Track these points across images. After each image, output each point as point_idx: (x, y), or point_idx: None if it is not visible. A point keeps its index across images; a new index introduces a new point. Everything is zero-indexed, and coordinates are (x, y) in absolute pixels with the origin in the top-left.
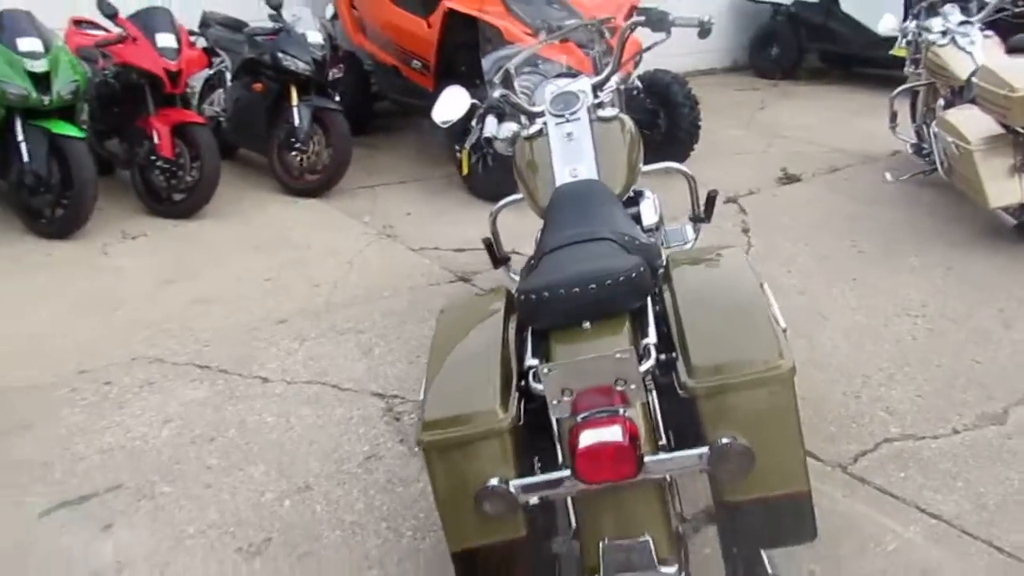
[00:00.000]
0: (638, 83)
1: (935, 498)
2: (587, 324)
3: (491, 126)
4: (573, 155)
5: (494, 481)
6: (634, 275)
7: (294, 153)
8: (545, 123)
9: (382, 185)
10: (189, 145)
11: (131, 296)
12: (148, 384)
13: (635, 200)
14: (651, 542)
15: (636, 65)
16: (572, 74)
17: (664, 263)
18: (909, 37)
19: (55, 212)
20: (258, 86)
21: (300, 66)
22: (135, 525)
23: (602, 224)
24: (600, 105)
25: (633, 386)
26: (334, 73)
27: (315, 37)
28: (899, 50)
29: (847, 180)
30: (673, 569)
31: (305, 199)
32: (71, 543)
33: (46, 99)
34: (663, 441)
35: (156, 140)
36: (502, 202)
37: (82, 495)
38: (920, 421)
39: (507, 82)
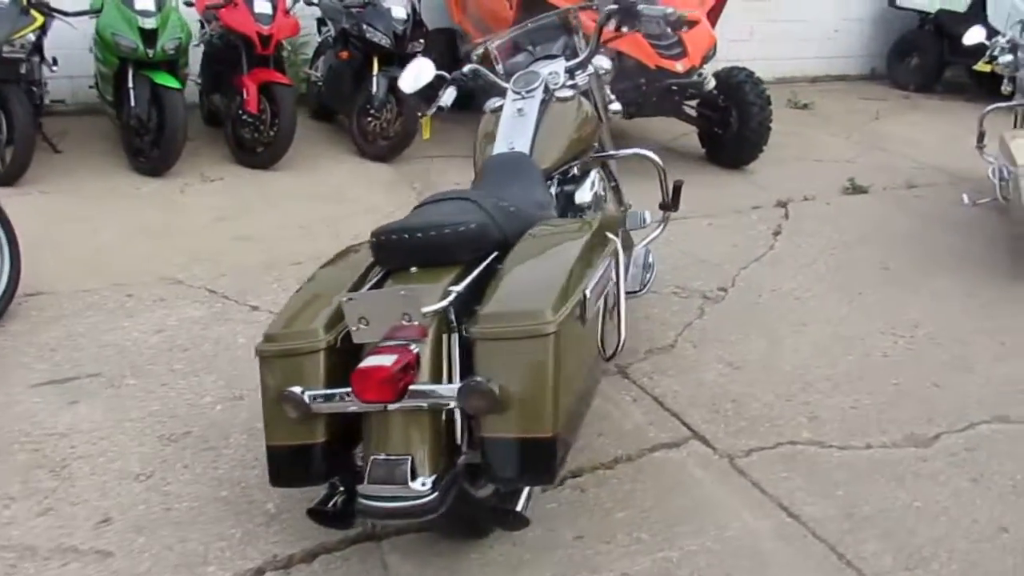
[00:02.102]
0: (712, 80)
1: (805, 500)
2: (414, 269)
3: (447, 97)
4: (516, 130)
5: (294, 388)
6: (461, 229)
7: (369, 119)
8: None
9: (446, 156)
10: (272, 103)
11: (186, 229)
12: (160, 300)
13: (577, 178)
14: (411, 461)
15: (706, 60)
16: (553, 56)
17: None
18: (996, 52)
19: (152, 152)
20: (344, 54)
21: (381, 38)
22: (94, 406)
23: (499, 190)
24: (574, 87)
25: (416, 322)
26: (413, 47)
27: (399, 12)
28: (983, 65)
29: (918, 198)
30: (427, 488)
31: (373, 162)
32: (42, 409)
33: (151, 52)
34: (455, 378)
35: (245, 96)
36: None
37: (68, 376)
38: (837, 431)
39: (486, 59)
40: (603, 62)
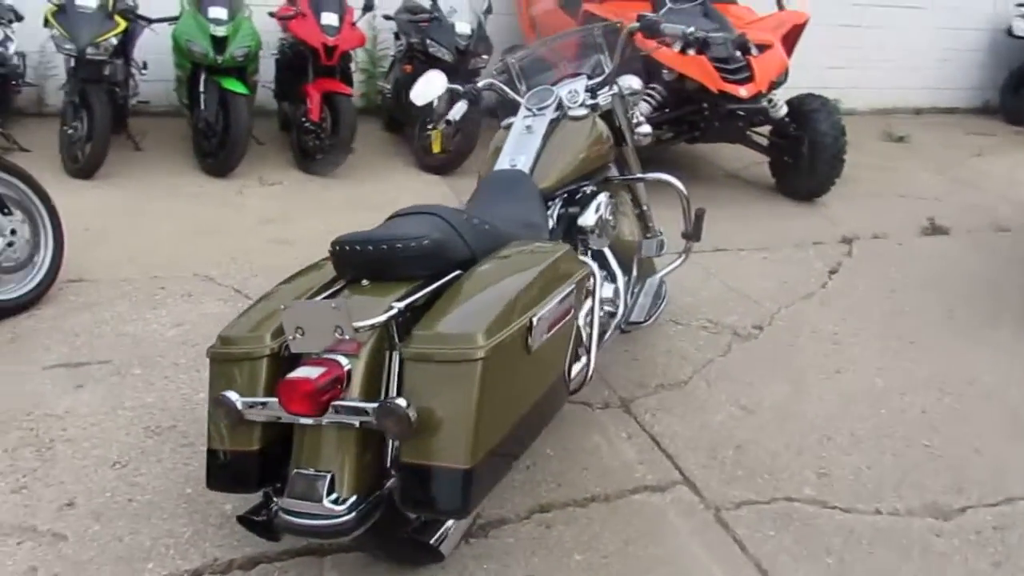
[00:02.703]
0: (783, 107)
1: (788, 565)
2: (365, 281)
3: (456, 111)
4: (522, 147)
5: (228, 393)
6: (413, 244)
7: (428, 132)
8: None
9: None
10: (334, 112)
11: (233, 229)
12: (188, 295)
13: (583, 201)
14: (330, 478)
15: (776, 86)
16: (577, 74)
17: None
18: None
19: (219, 153)
20: (407, 68)
21: (444, 53)
22: (96, 391)
23: (489, 208)
24: (595, 107)
25: (347, 336)
26: (476, 63)
27: (463, 28)
28: None
29: (1005, 242)
30: (343, 507)
31: (430, 175)
32: (50, 390)
33: (220, 59)
34: (392, 396)
35: (309, 104)
36: None
37: (80, 361)
38: (846, 492)
39: (506, 74)
40: (631, 82)
